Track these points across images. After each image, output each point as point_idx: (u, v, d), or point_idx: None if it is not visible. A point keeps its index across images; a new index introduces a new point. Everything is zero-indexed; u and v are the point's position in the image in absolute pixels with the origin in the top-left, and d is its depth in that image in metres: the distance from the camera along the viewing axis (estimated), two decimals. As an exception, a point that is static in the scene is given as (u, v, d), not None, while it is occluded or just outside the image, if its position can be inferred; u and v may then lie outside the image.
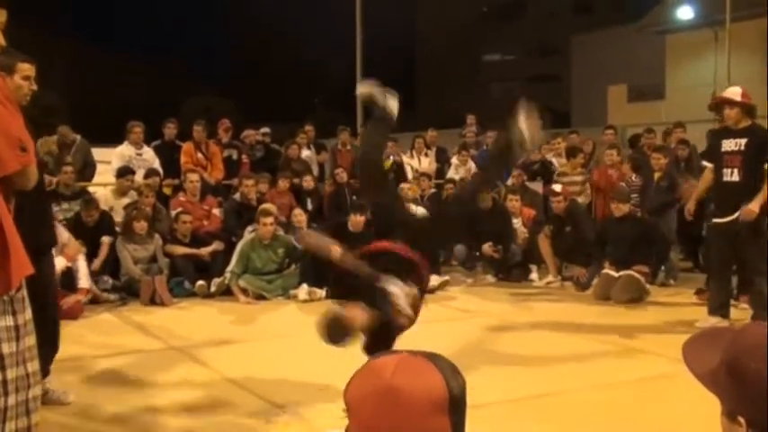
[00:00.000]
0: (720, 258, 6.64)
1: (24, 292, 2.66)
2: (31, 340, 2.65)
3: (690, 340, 1.51)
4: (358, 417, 1.27)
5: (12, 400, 2.55)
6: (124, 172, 9.37)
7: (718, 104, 6.68)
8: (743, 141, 6.30)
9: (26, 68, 3.74)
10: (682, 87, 22.62)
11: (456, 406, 1.27)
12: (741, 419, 1.34)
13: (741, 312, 6.75)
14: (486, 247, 9.37)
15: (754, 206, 6.17)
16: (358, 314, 3.78)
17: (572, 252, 9.00)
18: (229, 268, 8.29)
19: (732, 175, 6.36)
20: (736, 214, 6.28)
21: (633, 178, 9.60)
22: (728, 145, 6.39)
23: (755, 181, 6.24)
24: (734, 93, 6.46)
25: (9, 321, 2.55)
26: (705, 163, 7.06)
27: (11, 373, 2.54)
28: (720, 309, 6.56)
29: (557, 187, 9.39)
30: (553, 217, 9.25)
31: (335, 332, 3.76)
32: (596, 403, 4.49)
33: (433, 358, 1.31)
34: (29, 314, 2.66)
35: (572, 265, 9.15)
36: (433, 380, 1.26)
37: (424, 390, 1.24)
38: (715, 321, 6.39)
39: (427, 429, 1.24)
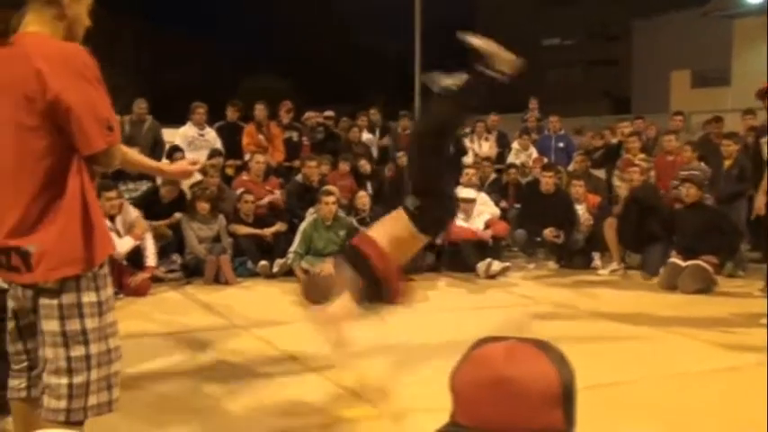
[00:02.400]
0: None
1: (107, 269, 2.70)
2: (112, 316, 2.69)
3: None
4: (467, 406, 1.24)
5: (94, 374, 2.59)
6: (173, 150, 9.48)
7: (763, 91, 6.27)
8: None
9: None
10: (749, 73, 21.97)
11: (568, 397, 1.24)
12: None
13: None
14: (548, 232, 9.26)
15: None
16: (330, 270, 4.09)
17: (637, 239, 8.80)
18: (292, 249, 8.35)
19: None
20: None
21: (703, 166, 9.38)
22: None
23: None
24: None
25: (93, 297, 2.59)
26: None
27: (94, 348, 2.59)
28: None
29: (636, 160, 9.21)
30: (627, 198, 8.99)
31: (312, 291, 4.13)
32: (666, 393, 4.41)
33: (543, 346, 1.27)
34: (110, 290, 2.69)
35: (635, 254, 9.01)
36: (545, 370, 1.23)
37: (537, 381, 1.21)
38: None
39: (541, 421, 1.20)
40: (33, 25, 2.55)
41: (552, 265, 9.42)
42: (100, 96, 2.54)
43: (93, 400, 2.60)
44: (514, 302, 7.34)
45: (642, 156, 10.22)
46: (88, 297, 2.58)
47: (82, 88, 2.47)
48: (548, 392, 1.21)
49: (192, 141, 9.98)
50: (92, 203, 2.57)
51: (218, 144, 10.17)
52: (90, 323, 2.58)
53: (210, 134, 10.32)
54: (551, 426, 1.22)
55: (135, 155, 3.65)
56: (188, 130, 10.19)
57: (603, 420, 3.94)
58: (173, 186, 8.53)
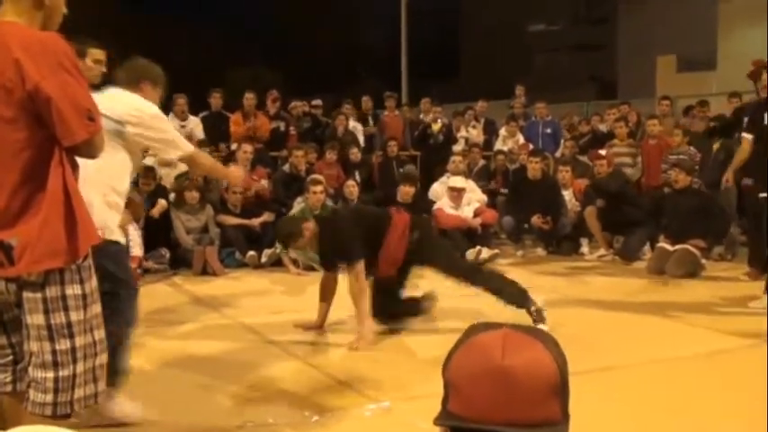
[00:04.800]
0: None
1: (90, 260, 2.67)
2: (97, 308, 2.66)
3: None
4: (464, 396, 1.21)
5: (80, 367, 2.57)
6: None
7: (757, 71, 6.20)
8: None
9: (97, 53, 4.09)
10: (734, 57, 22.02)
11: (565, 387, 1.23)
12: None
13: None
14: (536, 219, 9.28)
15: None
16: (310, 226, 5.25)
17: (619, 225, 8.83)
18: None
19: None
20: None
21: (692, 150, 9.39)
22: None
23: None
24: None
25: (77, 290, 2.56)
26: (745, 135, 6.82)
27: (79, 341, 2.56)
28: None
29: (602, 151, 9.26)
30: (596, 184, 9.03)
31: (284, 229, 5.51)
32: (656, 378, 4.42)
33: (537, 334, 1.25)
34: (95, 282, 2.67)
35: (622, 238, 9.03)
36: (544, 359, 1.21)
37: (537, 372, 1.19)
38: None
39: (540, 412, 1.18)
40: (10, 15, 2.51)
41: (540, 251, 9.43)
42: (80, 86, 2.51)
43: (79, 392, 2.58)
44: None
45: (629, 141, 10.24)
46: (72, 289, 2.55)
47: (61, 78, 2.44)
48: (546, 383, 1.19)
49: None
50: (74, 195, 2.54)
51: (200, 134, 10.10)
52: (75, 316, 2.55)
53: (192, 123, 10.23)
54: (548, 417, 1.20)
55: (207, 158, 3.89)
56: (169, 121, 10.10)
57: (595, 406, 3.94)
58: (150, 179, 8.44)
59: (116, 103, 3.66)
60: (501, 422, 1.16)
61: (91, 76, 4.11)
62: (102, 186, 3.46)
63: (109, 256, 3.39)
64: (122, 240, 3.66)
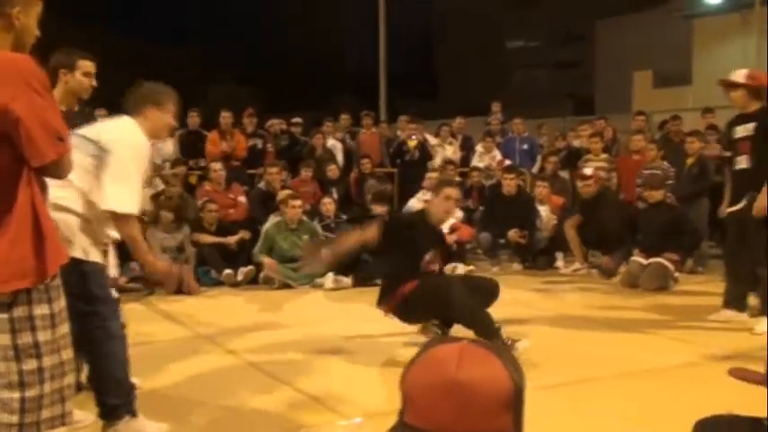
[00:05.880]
0: (733, 249, 6.21)
1: (59, 280, 2.67)
2: (65, 328, 2.67)
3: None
4: (419, 408, 1.23)
5: (47, 387, 2.57)
6: None
7: (724, 88, 6.29)
8: (752, 126, 5.87)
9: (87, 65, 4.06)
10: (709, 73, 22.25)
11: (519, 401, 1.25)
12: None
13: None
14: (512, 233, 9.33)
15: (761, 200, 5.69)
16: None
17: (598, 239, 8.94)
18: (255, 250, 8.38)
19: (742, 163, 5.95)
20: (743, 202, 5.90)
21: (665, 164, 9.50)
22: (740, 131, 5.99)
23: (767, 168, 5.76)
24: (738, 74, 5.97)
25: (45, 309, 2.57)
26: (726, 153, 6.83)
27: (47, 361, 2.57)
28: (736, 301, 6.20)
29: (587, 170, 9.28)
30: (582, 202, 9.14)
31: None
32: (627, 391, 4.46)
33: (494, 348, 1.28)
34: (63, 302, 2.67)
35: (598, 253, 9.10)
36: (499, 374, 1.23)
37: (490, 385, 1.21)
38: (730, 315, 6.15)
39: (491, 425, 1.21)
40: (-19, 37, 2.53)
41: (516, 266, 9.49)
42: (49, 107, 2.53)
43: (46, 413, 2.57)
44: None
45: (604, 156, 10.34)
46: (40, 309, 2.56)
47: (31, 99, 2.45)
48: (499, 397, 1.21)
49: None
50: (42, 215, 2.56)
51: (170, 152, 10.07)
52: (42, 336, 2.56)
53: (165, 143, 10.19)
54: (500, 430, 1.22)
55: (138, 232, 3.71)
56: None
57: (567, 418, 3.98)
58: None
59: (109, 130, 3.60)
60: None
61: (81, 90, 4.17)
62: (83, 208, 3.45)
63: (85, 276, 3.41)
64: (99, 260, 3.63)
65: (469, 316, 5.05)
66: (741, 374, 1.94)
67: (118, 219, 3.51)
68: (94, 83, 4.07)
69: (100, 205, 3.46)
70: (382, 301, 5.36)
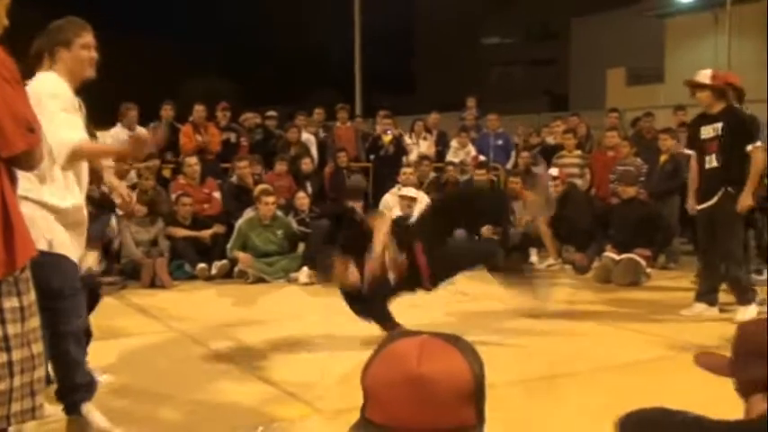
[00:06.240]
0: (705, 245, 6.39)
1: (28, 273, 2.64)
2: (35, 322, 2.64)
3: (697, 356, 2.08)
4: (380, 403, 1.22)
5: (17, 381, 2.54)
6: None
7: (690, 88, 6.40)
8: (719, 126, 6.02)
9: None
10: (681, 71, 22.43)
11: (479, 392, 1.24)
12: None
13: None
14: (486, 230, 9.35)
15: (746, 197, 5.92)
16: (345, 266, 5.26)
17: (570, 235, 9.00)
18: (228, 246, 8.35)
19: (712, 162, 6.10)
20: (714, 199, 6.06)
21: (638, 161, 9.57)
22: (706, 131, 6.13)
23: (736, 165, 5.97)
24: (703, 75, 6.13)
25: (14, 302, 2.54)
26: (687, 151, 6.96)
27: (16, 355, 2.54)
28: (707, 295, 6.37)
29: (553, 171, 9.39)
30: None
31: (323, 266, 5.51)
32: (601, 385, 4.50)
33: (454, 341, 1.27)
34: (33, 296, 2.65)
35: (572, 248, 9.15)
36: (460, 367, 1.23)
37: (451, 379, 1.21)
38: (701, 308, 6.31)
39: (454, 419, 1.20)
40: (-51, 27, 2.49)
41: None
42: (19, 97, 2.50)
43: (16, 407, 2.55)
44: (452, 299, 7.39)
45: (578, 152, 10.40)
46: (9, 302, 2.53)
47: (1, 88, 2.42)
48: (461, 390, 1.21)
49: (122, 144, 9.81)
50: (12, 206, 2.52)
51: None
52: (12, 329, 2.53)
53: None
54: (463, 423, 1.22)
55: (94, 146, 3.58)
56: (119, 132, 9.96)
57: (539, 413, 4.01)
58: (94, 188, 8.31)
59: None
60: (416, 429, 1.18)
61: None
62: (45, 196, 3.38)
63: (44, 268, 3.30)
64: (65, 252, 3.52)
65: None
66: (706, 361, 2.02)
67: (74, 157, 3.45)
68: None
69: (57, 160, 3.38)
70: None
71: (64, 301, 3.46)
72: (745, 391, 1.89)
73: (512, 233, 9.45)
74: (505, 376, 4.48)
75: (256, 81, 34.00)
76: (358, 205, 8.78)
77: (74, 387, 3.50)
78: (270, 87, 31.56)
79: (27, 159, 2.56)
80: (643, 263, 7.96)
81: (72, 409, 3.56)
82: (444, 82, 34.25)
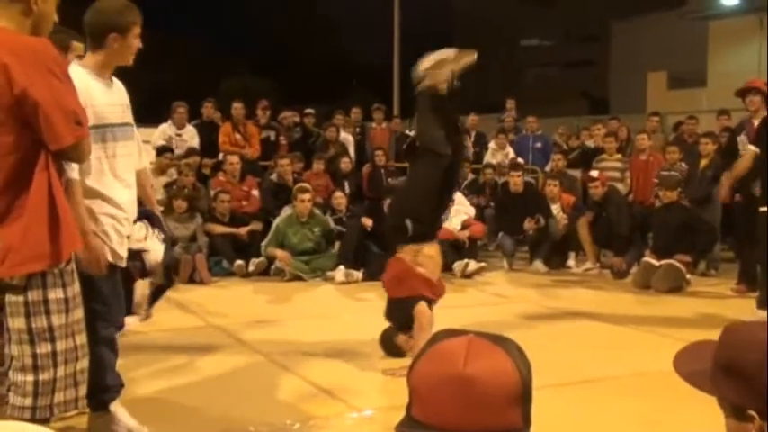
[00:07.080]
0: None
1: (74, 265, 2.68)
2: (79, 313, 2.68)
3: (679, 352, 1.73)
4: (426, 402, 1.21)
5: (60, 371, 2.58)
6: (163, 150, 9.46)
7: (745, 91, 6.23)
8: None
9: (80, 48, 3.66)
10: (724, 75, 22.18)
11: (527, 395, 1.23)
12: (752, 413, 1.44)
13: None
14: (527, 223, 9.18)
15: (723, 189, 5.83)
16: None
17: (609, 239, 8.89)
18: (264, 243, 8.38)
19: None
20: None
21: (684, 166, 9.43)
22: None
23: None
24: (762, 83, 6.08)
25: (59, 294, 2.58)
26: (751, 147, 6.78)
27: (60, 345, 2.58)
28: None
29: (594, 173, 9.27)
30: (592, 203, 9.15)
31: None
32: (637, 391, 4.44)
33: (501, 341, 1.25)
34: (77, 287, 2.68)
35: (610, 253, 9.05)
36: (506, 368, 1.21)
37: (498, 380, 1.19)
38: (764, 315, 6.00)
39: (501, 420, 1.19)
40: (0, 21, 2.53)
41: (538, 264, 9.33)
42: (67, 91, 2.54)
43: (59, 397, 2.58)
44: (489, 301, 7.37)
45: (618, 156, 10.28)
46: (55, 293, 2.57)
47: (49, 83, 2.46)
48: (508, 392, 1.20)
49: (169, 141, 9.94)
50: (59, 199, 2.56)
51: (196, 143, 10.12)
52: (56, 320, 2.57)
53: (188, 133, 10.24)
54: (509, 425, 1.20)
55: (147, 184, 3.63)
56: (167, 128, 10.12)
57: (575, 417, 3.97)
58: None
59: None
60: (461, 429, 1.17)
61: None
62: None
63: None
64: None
65: None
66: (688, 372, 1.70)
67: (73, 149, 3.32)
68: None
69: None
70: None
71: (104, 305, 3.40)
72: (723, 408, 1.62)
73: (552, 229, 9.26)
74: (539, 380, 4.43)
75: (294, 80, 34.15)
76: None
77: (103, 388, 3.49)
78: (307, 86, 31.64)
79: (75, 152, 2.60)
80: (683, 269, 7.84)
81: (99, 406, 3.51)
82: (482, 83, 34.13)
